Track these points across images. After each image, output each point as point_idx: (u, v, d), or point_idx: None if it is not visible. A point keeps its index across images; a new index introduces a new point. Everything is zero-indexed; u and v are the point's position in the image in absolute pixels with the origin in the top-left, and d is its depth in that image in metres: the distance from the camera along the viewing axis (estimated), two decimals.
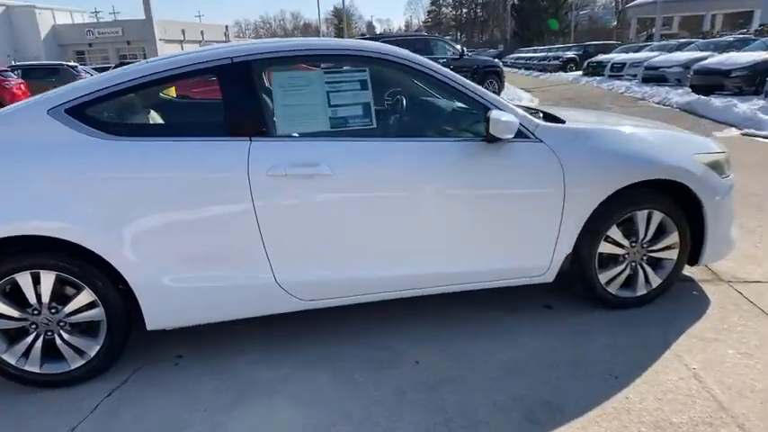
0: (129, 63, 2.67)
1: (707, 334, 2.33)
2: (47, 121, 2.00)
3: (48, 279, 2.02)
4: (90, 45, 43.90)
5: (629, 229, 2.46)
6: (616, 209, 2.38)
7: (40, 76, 14.04)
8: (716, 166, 2.51)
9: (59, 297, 2.06)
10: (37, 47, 42.52)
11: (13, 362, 2.07)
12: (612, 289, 2.53)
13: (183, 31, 48.72)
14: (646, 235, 2.47)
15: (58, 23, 45.57)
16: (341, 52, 2.26)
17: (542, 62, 27.54)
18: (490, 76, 11.65)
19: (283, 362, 2.26)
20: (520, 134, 2.26)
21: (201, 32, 52.97)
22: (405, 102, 2.61)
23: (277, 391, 2.07)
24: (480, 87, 2.30)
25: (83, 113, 2.03)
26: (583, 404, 1.91)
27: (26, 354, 2.08)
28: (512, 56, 37.54)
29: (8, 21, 43.24)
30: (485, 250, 2.30)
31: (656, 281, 2.55)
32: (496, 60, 12.32)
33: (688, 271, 2.95)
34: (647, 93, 12.52)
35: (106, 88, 2.07)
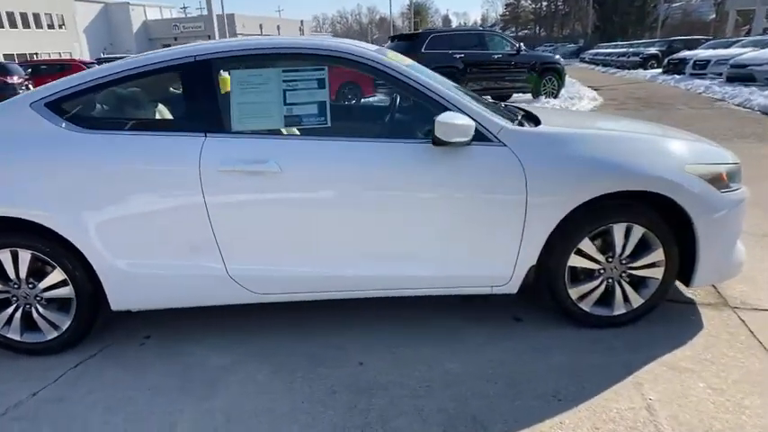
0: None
1: (682, 363, 2.14)
2: (28, 113, 2.20)
3: (25, 257, 2.23)
4: (176, 39, 46.99)
5: (605, 243, 2.30)
6: (587, 220, 2.24)
7: (50, 73, 14.99)
8: (715, 179, 2.28)
9: (35, 274, 2.27)
10: (129, 41, 46.22)
11: None
12: (585, 306, 2.38)
13: (261, 26, 50.87)
14: (624, 250, 2.29)
15: (148, 19, 49.27)
16: (300, 51, 2.28)
17: (621, 59, 25.96)
18: (549, 73, 11.15)
19: (234, 352, 2.34)
20: (481, 137, 2.18)
21: (278, 27, 55.04)
22: (364, 101, 2.58)
23: (218, 380, 2.15)
24: (442, 88, 2.24)
25: (59, 107, 2.21)
26: (510, 424, 1.83)
27: (9, 322, 2.31)
28: (590, 51, 35.72)
29: (106, 17, 47.35)
30: (436, 255, 2.24)
31: (637, 301, 2.37)
32: (557, 56, 11.72)
33: (691, 293, 2.72)
34: (727, 93, 11.46)
35: (81, 84, 2.23)
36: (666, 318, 2.48)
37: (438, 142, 2.06)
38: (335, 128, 2.21)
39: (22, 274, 2.25)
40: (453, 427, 1.83)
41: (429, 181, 2.14)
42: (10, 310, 2.30)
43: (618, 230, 2.26)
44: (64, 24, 43.23)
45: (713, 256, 2.32)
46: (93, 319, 2.36)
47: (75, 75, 2.31)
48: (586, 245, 2.27)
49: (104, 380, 2.19)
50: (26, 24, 39.74)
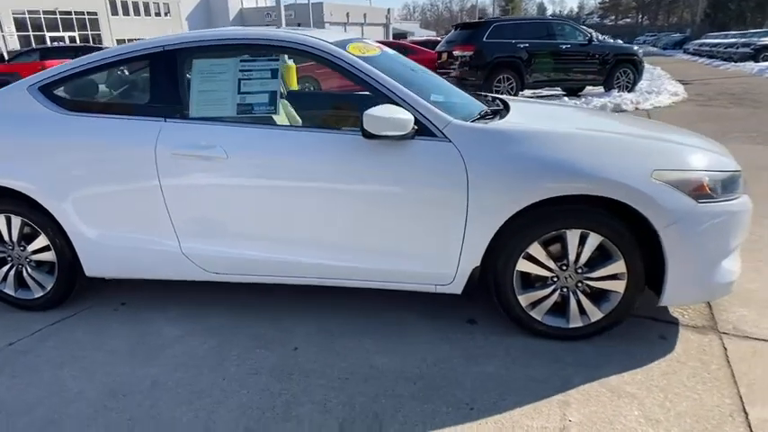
0: None
1: (627, 387, 1.96)
2: (25, 96, 2.46)
3: (17, 223, 2.51)
4: (267, 26, 49.16)
5: (559, 250, 2.16)
6: (537, 224, 2.11)
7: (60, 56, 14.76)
8: (693, 188, 2.05)
9: (26, 238, 2.55)
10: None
11: None
12: (537, 314, 2.25)
13: (348, 15, 51.73)
14: (578, 259, 2.14)
15: (244, 7, 51.97)
16: (257, 42, 2.33)
17: (728, 50, 23.39)
18: (623, 65, 10.33)
19: (189, 325, 2.49)
20: (427, 132, 2.12)
21: (364, 15, 55.65)
22: (316, 92, 2.57)
23: (163, 349, 2.30)
24: (392, 81, 2.18)
25: (49, 90, 2.46)
26: (408, 426, 1.79)
27: (5, 279, 2.63)
28: (696, 42, 32.54)
29: (207, 5, 50.67)
30: (374, 248, 2.22)
31: (595, 314, 2.20)
32: (635, 47, 10.79)
33: (679, 311, 2.48)
34: None
35: (69, 70, 2.46)
36: (636, 335, 2.28)
37: (367, 135, 2.03)
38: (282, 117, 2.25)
39: (15, 238, 2.54)
40: (351, 422, 1.83)
41: (361, 173, 2.13)
42: (6, 268, 2.61)
43: (571, 237, 2.11)
44: (169, 12, 46.79)
45: (687, 272, 2.10)
46: (73, 282, 2.60)
47: (68, 62, 2.55)
48: (536, 250, 2.14)
49: (71, 338, 2.42)
50: (137, 12, 43.48)
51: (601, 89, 10.68)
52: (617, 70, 10.36)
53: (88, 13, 38.24)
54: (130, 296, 2.79)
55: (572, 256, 2.14)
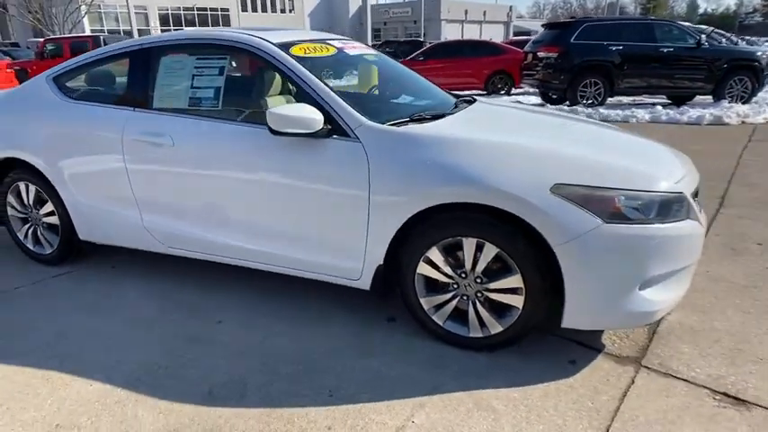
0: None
1: (494, 401, 1.96)
2: (43, 84, 3.04)
3: (32, 189, 3.11)
4: (385, 24, 50.67)
5: (458, 257, 2.19)
6: (435, 229, 2.17)
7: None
8: (602, 206, 1.97)
9: (39, 203, 3.15)
10: (345, 25, 51.49)
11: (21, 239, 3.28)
12: (438, 319, 2.29)
13: (466, 12, 51.43)
14: (474, 268, 2.15)
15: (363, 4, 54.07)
16: (207, 41, 2.64)
17: None
18: (739, 72, 9.20)
19: (149, 288, 2.90)
20: (341, 131, 2.28)
21: (484, 12, 54.91)
22: (255, 86, 2.76)
23: (117, 308, 2.72)
24: (318, 83, 2.35)
25: (59, 80, 3.01)
26: (267, 399, 1.98)
27: (26, 235, 3.26)
28: None
29: (328, 2, 53.58)
30: (289, 237, 2.43)
31: (494, 327, 2.19)
32: (759, 52, 9.51)
33: (612, 339, 2.37)
34: None
35: (76, 63, 2.99)
36: (546, 355, 2.23)
37: (273, 131, 2.24)
38: (223, 110, 2.55)
39: (32, 202, 3.15)
40: (222, 387, 2.06)
41: (273, 165, 2.35)
42: (26, 226, 3.24)
43: (468, 246, 2.13)
44: (293, 9, 50.34)
45: (590, 295, 2.02)
46: (72, 243, 3.15)
47: (79, 56, 3.09)
48: (436, 255, 2.20)
49: (60, 290, 2.95)
50: (264, 8, 47.44)
51: (710, 98, 9.64)
52: (731, 77, 9.29)
53: (221, 9, 42.53)
54: (121, 258, 3.30)
55: (468, 265, 2.16)
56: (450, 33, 48.10)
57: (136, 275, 3.09)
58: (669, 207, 2.04)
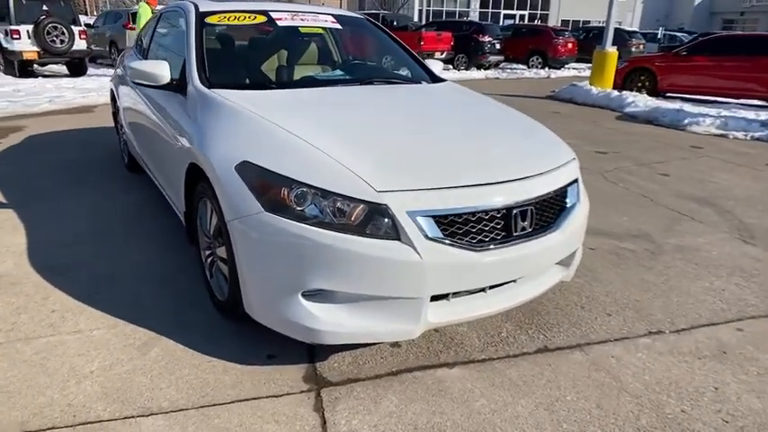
0: None
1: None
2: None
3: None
4: (741, 14, 41.95)
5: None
6: (202, 186, 2.36)
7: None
8: (268, 192, 1.90)
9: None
10: (687, 14, 44.67)
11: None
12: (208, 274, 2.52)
13: None
14: (211, 230, 2.34)
15: None
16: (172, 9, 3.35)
17: None
18: None
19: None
20: (182, 87, 2.74)
21: None
22: None
23: (107, 210, 3.80)
24: (193, 46, 2.81)
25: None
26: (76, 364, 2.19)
27: None
28: None
29: None
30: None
31: (222, 294, 2.31)
32: None
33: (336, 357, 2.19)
34: None
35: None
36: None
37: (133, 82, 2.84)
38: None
39: None
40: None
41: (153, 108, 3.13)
42: None
43: (206, 207, 2.36)
44: None
45: (257, 286, 1.97)
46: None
47: None
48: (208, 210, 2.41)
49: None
50: None
51: None
52: None
53: None
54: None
55: (209, 226, 2.35)
56: None
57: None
58: (370, 217, 1.80)
